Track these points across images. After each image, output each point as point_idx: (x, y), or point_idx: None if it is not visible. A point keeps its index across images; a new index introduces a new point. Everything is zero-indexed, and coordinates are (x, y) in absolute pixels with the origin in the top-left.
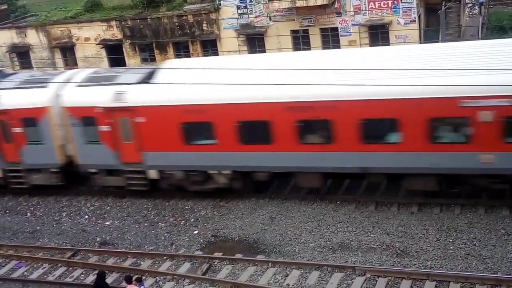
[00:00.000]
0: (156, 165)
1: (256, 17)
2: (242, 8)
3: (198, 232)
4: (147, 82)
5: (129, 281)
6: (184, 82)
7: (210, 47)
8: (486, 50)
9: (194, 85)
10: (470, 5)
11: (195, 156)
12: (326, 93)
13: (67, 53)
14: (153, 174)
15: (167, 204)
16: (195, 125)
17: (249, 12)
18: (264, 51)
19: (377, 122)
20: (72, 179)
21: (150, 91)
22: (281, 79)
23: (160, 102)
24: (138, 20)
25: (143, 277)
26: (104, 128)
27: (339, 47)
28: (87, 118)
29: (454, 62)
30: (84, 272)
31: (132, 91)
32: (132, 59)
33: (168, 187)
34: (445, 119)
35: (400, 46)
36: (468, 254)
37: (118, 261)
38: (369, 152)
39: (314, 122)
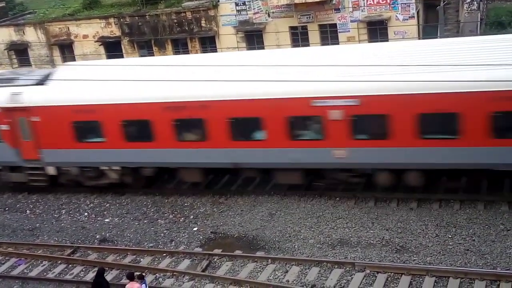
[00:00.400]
0: (53, 162)
1: (254, 13)
2: (240, 5)
3: (197, 229)
4: (42, 84)
5: (131, 277)
6: (74, 83)
7: (209, 43)
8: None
9: (84, 87)
10: (468, 0)
11: (87, 153)
12: (198, 94)
13: (66, 50)
14: (51, 170)
15: (166, 201)
16: (86, 124)
17: (247, 9)
18: (263, 48)
19: (244, 120)
20: None
21: (44, 92)
22: (163, 81)
23: (53, 102)
24: (137, 17)
25: (143, 274)
26: (4, 127)
27: (338, 44)
28: None
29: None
30: (84, 269)
31: (27, 92)
32: (130, 56)
33: (67, 183)
34: (301, 117)
35: (281, 50)
36: (467, 250)
37: (118, 258)
38: (239, 149)
39: (189, 121)
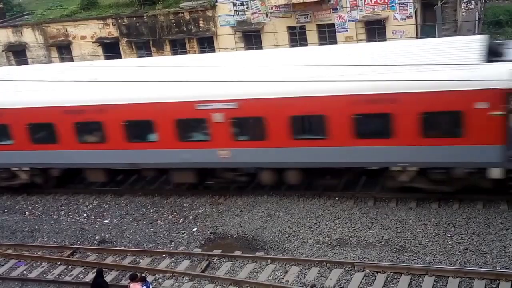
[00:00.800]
0: None
1: (252, 13)
2: (238, 5)
3: (197, 230)
4: None
5: (133, 278)
6: None
7: (207, 44)
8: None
9: None
10: (466, 0)
11: None
12: (95, 98)
13: (64, 51)
14: None
15: (165, 201)
16: None
17: (245, 9)
18: (261, 48)
19: (138, 123)
20: None
21: None
22: (65, 87)
23: None
24: (135, 18)
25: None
26: None
27: (336, 43)
28: None
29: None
30: (83, 271)
31: None
32: (128, 57)
33: None
34: (188, 120)
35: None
36: (467, 249)
37: (117, 259)
38: (134, 150)
39: (88, 124)
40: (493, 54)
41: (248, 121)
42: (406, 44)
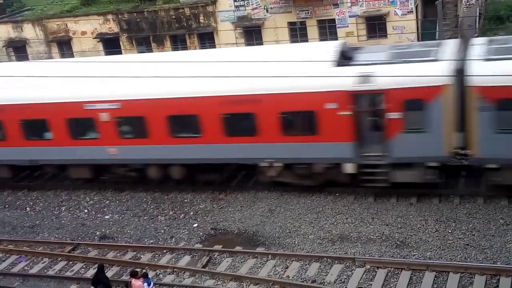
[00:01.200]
0: None
1: (253, 9)
2: (239, 1)
3: (197, 225)
4: None
5: (134, 275)
6: None
7: (207, 40)
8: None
9: None
10: None
11: None
12: None
13: (64, 47)
14: None
15: (166, 197)
16: None
17: (246, 4)
18: (261, 44)
19: (34, 122)
20: None
21: None
22: None
23: None
24: (135, 14)
25: (141, 271)
26: None
27: (336, 39)
28: None
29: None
30: (84, 266)
31: None
32: (129, 52)
33: None
34: (78, 119)
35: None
36: (467, 245)
37: (118, 254)
38: (33, 147)
39: None
40: (344, 59)
41: (131, 120)
42: (269, 49)
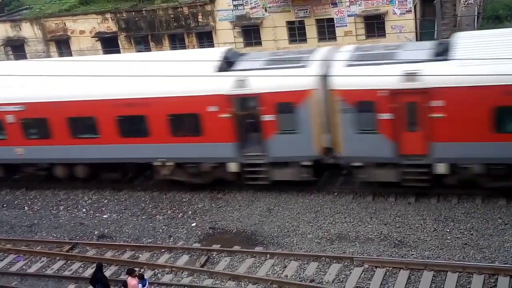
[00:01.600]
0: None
1: (251, 8)
2: (237, 0)
3: (196, 225)
4: None
5: (130, 273)
6: None
7: (206, 39)
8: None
9: None
10: None
11: None
12: None
13: (62, 46)
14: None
15: (164, 196)
16: None
17: (244, 3)
18: (260, 43)
19: None
20: None
21: None
22: None
23: None
24: (133, 13)
25: (137, 271)
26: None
27: (335, 38)
28: None
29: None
30: (82, 265)
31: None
32: (127, 51)
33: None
34: None
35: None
36: (466, 244)
37: (117, 254)
38: None
39: None
40: (227, 64)
41: (35, 122)
42: (162, 55)
